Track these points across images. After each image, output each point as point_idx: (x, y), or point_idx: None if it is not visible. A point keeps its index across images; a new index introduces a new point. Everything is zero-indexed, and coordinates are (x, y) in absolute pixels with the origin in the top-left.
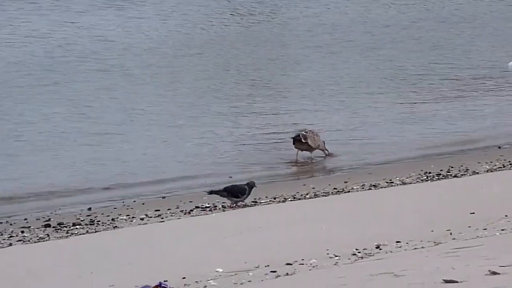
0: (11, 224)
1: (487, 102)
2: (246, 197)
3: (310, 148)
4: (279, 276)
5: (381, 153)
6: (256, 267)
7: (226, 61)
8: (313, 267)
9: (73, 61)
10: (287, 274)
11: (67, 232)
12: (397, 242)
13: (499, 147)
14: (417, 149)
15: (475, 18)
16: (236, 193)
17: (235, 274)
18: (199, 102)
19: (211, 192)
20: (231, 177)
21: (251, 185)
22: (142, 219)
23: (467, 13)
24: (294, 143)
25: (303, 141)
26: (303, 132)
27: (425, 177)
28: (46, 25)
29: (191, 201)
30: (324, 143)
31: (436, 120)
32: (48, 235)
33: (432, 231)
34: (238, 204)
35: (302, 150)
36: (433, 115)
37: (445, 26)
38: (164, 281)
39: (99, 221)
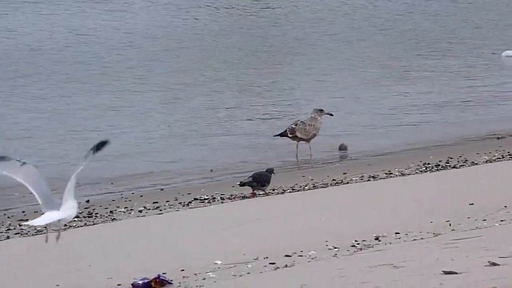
0: (8, 217)
1: (480, 92)
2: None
3: (303, 140)
4: (278, 268)
5: (380, 144)
6: (255, 259)
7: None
8: (312, 258)
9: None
10: (286, 266)
11: (65, 225)
12: (396, 233)
13: (498, 138)
14: (416, 140)
15: (468, 9)
16: (263, 182)
17: (234, 266)
18: (192, 94)
19: (243, 184)
20: (211, 170)
21: (271, 171)
22: (140, 211)
23: (460, 5)
24: (288, 137)
25: (290, 136)
26: (292, 125)
27: (424, 168)
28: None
29: (189, 193)
30: (322, 110)
31: (431, 110)
32: (45, 227)
33: (431, 222)
34: (265, 191)
35: (298, 141)
36: (429, 105)
37: (435, 17)
38: (163, 273)
39: (97, 213)
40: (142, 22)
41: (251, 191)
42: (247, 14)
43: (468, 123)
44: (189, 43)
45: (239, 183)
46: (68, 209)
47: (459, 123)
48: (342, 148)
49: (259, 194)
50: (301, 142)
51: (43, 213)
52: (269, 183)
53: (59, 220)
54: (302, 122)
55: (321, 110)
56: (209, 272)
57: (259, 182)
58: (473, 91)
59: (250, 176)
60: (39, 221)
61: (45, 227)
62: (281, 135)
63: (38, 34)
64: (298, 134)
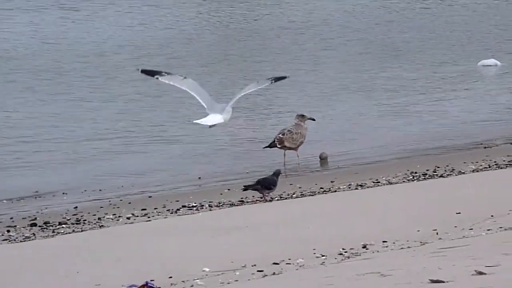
0: None
1: (462, 100)
2: (276, 188)
3: (291, 148)
4: (266, 275)
5: (368, 153)
6: (243, 267)
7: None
8: (300, 266)
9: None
10: (274, 273)
11: (53, 231)
12: (384, 242)
13: (485, 147)
14: (403, 149)
15: (446, 20)
16: (269, 185)
17: (222, 273)
18: (182, 100)
19: (245, 188)
20: (199, 178)
21: (277, 174)
22: (128, 218)
23: (438, 14)
24: (277, 147)
25: (279, 146)
26: (280, 135)
27: (412, 177)
28: None
29: (177, 200)
30: (304, 115)
31: (418, 119)
32: (34, 234)
33: (419, 231)
34: (270, 195)
35: (285, 150)
36: (416, 114)
37: (416, 26)
38: (151, 280)
39: (85, 220)
40: (110, 31)
41: (261, 196)
42: (217, 23)
43: (448, 130)
44: (158, 50)
45: (243, 187)
46: (227, 112)
47: (441, 131)
48: (323, 157)
49: (267, 199)
50: (289, 150)
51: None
52: (275, 185)
53: (219, 121)
54: (289, 131)
55: (303, 116)
56: (197, 279)
57: (263, 185)
58: (448, 101)
59: (255, 180)
60: (205, 121)
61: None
62: (270, 146)
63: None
64: (286, 143)
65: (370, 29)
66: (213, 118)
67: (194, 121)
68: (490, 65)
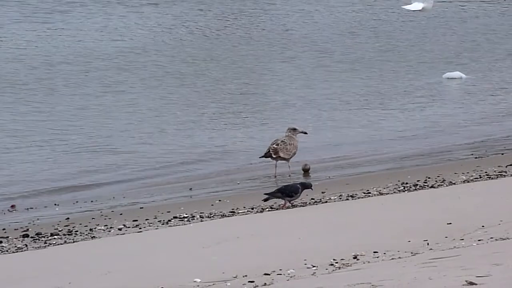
0: None
1: (423, 112)
2: (299, 196)
3: (285, 159)
4: (257, 286)
5: (358, 164)
6: (234, 277)
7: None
8: (291, 277)
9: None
10: (265, 284)
11: (45, 242)
12: (375, 252)
13: (476, 158)
14: (394, 159)
15: (414, 31)
16: (290, 193)
17: (213, 284)
18: (172, 110)
19: (266, 199)
20: (191, 189)
21: (306, 185)
22: (120, 229)
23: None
24: (272, 158)
25: (274, 156)
26: (274, 145)
27: (402, 188)
28: None
29: (169, 211)
30: (295, 129)
31: (376, 129)
32: (26, 245)
33: (409, 241)
34: (292, 203)
35: (278, 160)
36: (373, 125)
37: (383, 38)
38: None
39: (77, 231)
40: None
41: (283, 204)
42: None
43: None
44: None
45: (265, 196)
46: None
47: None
48: (305, 169)
49: (287, 207)
50: (281, 161)
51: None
52: (297, 193)
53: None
54: (282, 141)
55: (295, 129)
56: None
57: (284, 192)
58: (410, 111)
59: (277, 188)
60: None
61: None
62: (265, 156)
63: None
64: (281, 154)
65: (334, 40)
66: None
67: (402, 7)
68: (455, 78)
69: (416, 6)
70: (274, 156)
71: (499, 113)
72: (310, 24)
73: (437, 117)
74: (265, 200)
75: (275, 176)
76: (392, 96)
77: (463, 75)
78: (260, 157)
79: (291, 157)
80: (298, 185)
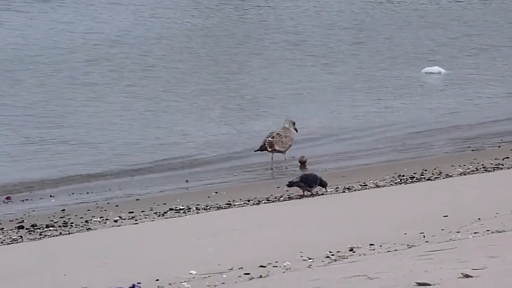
0: None
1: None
2: (317, 186)
3: (280, 151)
4: (253, 278)
5: (355, 156)
6: (230, 269)
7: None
8: (287, 269)
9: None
10: (260, 276)
11: (40, 234)
12: (371, 244)
13: (473, 150)
14: (391, 151)
15: (390, 26)
16: (310, 183)
17: (209, 276)
18: (167, 101)
19: (290, 185)
20: (187, 181)
21: (322, 183)
22: (115, 221)
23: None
24: (268, 151)
25: (269, 150)
26: (269, 138)
27: (399, 180)
28: None
29: (165, 203)
30: (294, 123)
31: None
32: (21, 236)
33: (406, 234)
34: (313, 192)
35: (273, 153)
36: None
37: (364, 32)
38: (138, 283)
39: (72, 222)
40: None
41: (301, 193)
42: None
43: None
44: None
45: (287, 183)
46: None
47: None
48: (302, 161)
49: (306, 195)
50: (277, 153)
51: None
52: (317, 184)
53: None
54: (278, 134)
55: (294, 123)
56: (184, 282)
57: (306, 182)
58: (386, 108)
59: (298, 177)
60: None
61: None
62: (261, 149)
63: None
64: (276, 147)
65: (313, 32)
66: None
67: None
68: (434, 73)
69: None
70: (269, 149)
71: (479, 107)
72: (291, 15)
73: (415, 111)
74: (289, 186)
75: (272, 168)
76: (370, 90)
77: (442, 70)
78: (255, 151)
79: (286, 150)
80: (316, 175)
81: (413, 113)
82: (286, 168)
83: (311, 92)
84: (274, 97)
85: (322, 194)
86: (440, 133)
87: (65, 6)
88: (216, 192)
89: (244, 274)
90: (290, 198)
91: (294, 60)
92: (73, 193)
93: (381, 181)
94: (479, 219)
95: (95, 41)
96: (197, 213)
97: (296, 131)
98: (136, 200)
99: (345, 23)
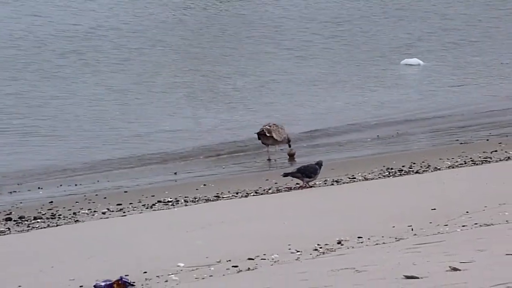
0: None
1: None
2: (317, 176)
3: (275, 142)
4: (241, 271)
5: (344, 148)
6: (218, 262)
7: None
8: (275, 262)
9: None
10: (248, 269)
11: (28, 226)
12: (359, 237)
13: (461, 143)
14: (379, 143)
15: (375, 18)
16: (309, 173)
17: (197, 268)
18: (154, 97)
19: (285, 175)
20: (175, 173)
21: (320, 164)
22: (103, 213)
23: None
24: (259, 138)
25: (268, 135)
26: (267, 126)
27: (387, 173)
28: None
29: (153, 195)
30: (288, 138)
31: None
32: (9, 228)
33: (394, 227)
34: (310, 184)
35: (268, 144)
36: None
37: (343, 24)
38: (125, 275)
39: (60, 215)
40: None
41: (300, 184)
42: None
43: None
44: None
45: (282, 174)
46: None
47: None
48: (291, 154)
49: (305, 186)
50: (270, 145)
51: None
52: (316, 174)
53: None
54: (274, 124)
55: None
56: (172, 274)
57: (304, 173)
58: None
59: (295, 168)
60: None
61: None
62: (258, 134)
63: None
64: (273, 134)
65: (292, 26)
66: None
67: None
68: (413, 64)
69: None
70: (267, 134)
71: (458, 99)
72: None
73: (395, 103)
74: (284, 176)
75: (269, 159)
76: (351, 82)
77: (421, 62)
78: (255, 133)
79: (282, 141)
80: (316, 166)
81: (393, 105)
82: (275, 160)
83: (286, 84)
84: (242, 89)
85: (311, 186)
86: (421, 125)
87: None
88: (204, 185)
89: (232, 266)
90: (278, 190)
91: (269, 53)
92: (61, 185)
93: (369, 174)
94: (467, 212)
95: (68, 33)
96: (186, 205)
97: (290, 146)
98: (125, 192)
99: (322, 17)
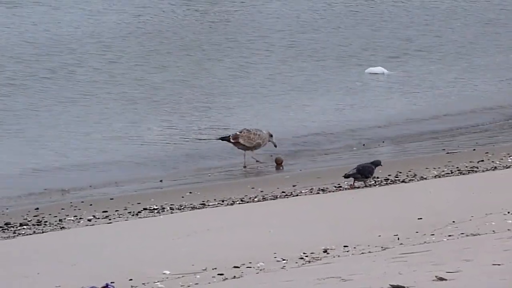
0: None
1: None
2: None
3: (246, 148)
4: (227, 279)
5: (330, 157)
6: (204, 270)
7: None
8: (261, 270)
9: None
10: (234, 277)
11: (14, 232)
12: (345, 246)
13: (447, 153)
14: (364, 152)
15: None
16: (368, 174)
17: (182, 276)
18: (139, 103)
19: (347, 176)
20: (161, 181)
21: (376, 164)
22: (89, 220)
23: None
24: (230, 142)
25: (232, 141)
26: (236, 132)
27: (373, 182)
28: None
29: (139, 203)
30: (272, 135)
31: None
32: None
33: (380, 236)
34: (367, 184)
35: (243, 149)
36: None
37: (308, 32)
38: (111, 282)
39: (46, 221)
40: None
41: (352, 183)
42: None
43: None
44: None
45: (344, 175)
46: None
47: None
48: (279, 161)
49: (355, 186)
50: (247, 151)
51: None
52: (372, 174)
53: None
54: (247, 130)
55: (271, 135)
56: (157, 282)
57: (363, 174)
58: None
59: (355, 168)
60: None
61: None
62: (222, 139)
63: None
64: (240, 140)
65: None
66: None
67: None
68: (377, 73)
69: None
70: (232, 140)
71: (422, 108)
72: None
73: (358, 112)
74: (345, 177)
75: (245, 166)
76: (303, 89)
77: (386, 71)
78: (216, 139)
79: (253, 147)
80: (372, 166)
81: (359, 113)
82: (259, 168)
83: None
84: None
85: (297, 195)
86: (406, 134)
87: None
88: (190, 192)
89: (218, 274)
90: (264, 199)
91: (224, 61)
92: (46, 190)
93: (355, 182)
94: (453, 222)
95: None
96: (171, 213)
97: (275, 146)
98: (111, 199)
99: (280, 26)
